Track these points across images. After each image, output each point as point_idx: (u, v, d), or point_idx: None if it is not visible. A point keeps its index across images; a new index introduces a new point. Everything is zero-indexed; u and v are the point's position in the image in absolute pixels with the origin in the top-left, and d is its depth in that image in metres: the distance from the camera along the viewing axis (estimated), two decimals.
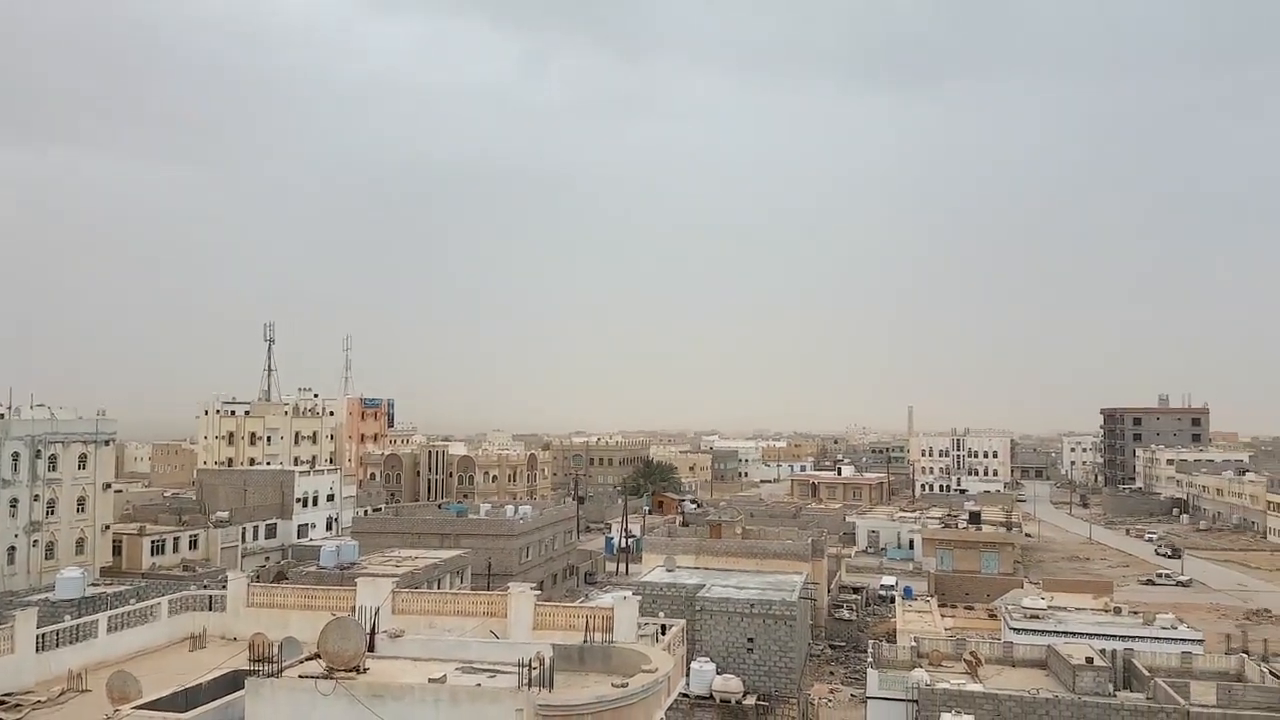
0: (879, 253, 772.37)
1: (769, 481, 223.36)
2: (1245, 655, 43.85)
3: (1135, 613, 50.77)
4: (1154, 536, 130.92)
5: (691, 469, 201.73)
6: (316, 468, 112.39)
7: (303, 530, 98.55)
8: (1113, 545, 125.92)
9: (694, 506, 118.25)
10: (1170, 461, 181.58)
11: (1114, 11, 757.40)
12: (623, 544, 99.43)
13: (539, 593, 39.52)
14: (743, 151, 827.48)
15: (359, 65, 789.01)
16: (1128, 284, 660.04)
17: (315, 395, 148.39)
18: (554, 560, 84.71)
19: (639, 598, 38.42)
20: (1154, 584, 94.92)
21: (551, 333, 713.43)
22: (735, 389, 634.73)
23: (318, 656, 22.54)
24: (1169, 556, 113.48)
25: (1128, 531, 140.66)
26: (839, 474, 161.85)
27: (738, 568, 60.66)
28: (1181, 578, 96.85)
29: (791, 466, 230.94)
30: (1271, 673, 37.31)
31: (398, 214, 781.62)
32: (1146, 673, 35.91)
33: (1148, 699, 33.37)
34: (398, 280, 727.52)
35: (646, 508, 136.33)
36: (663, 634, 35.34)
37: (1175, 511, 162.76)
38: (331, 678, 21.63)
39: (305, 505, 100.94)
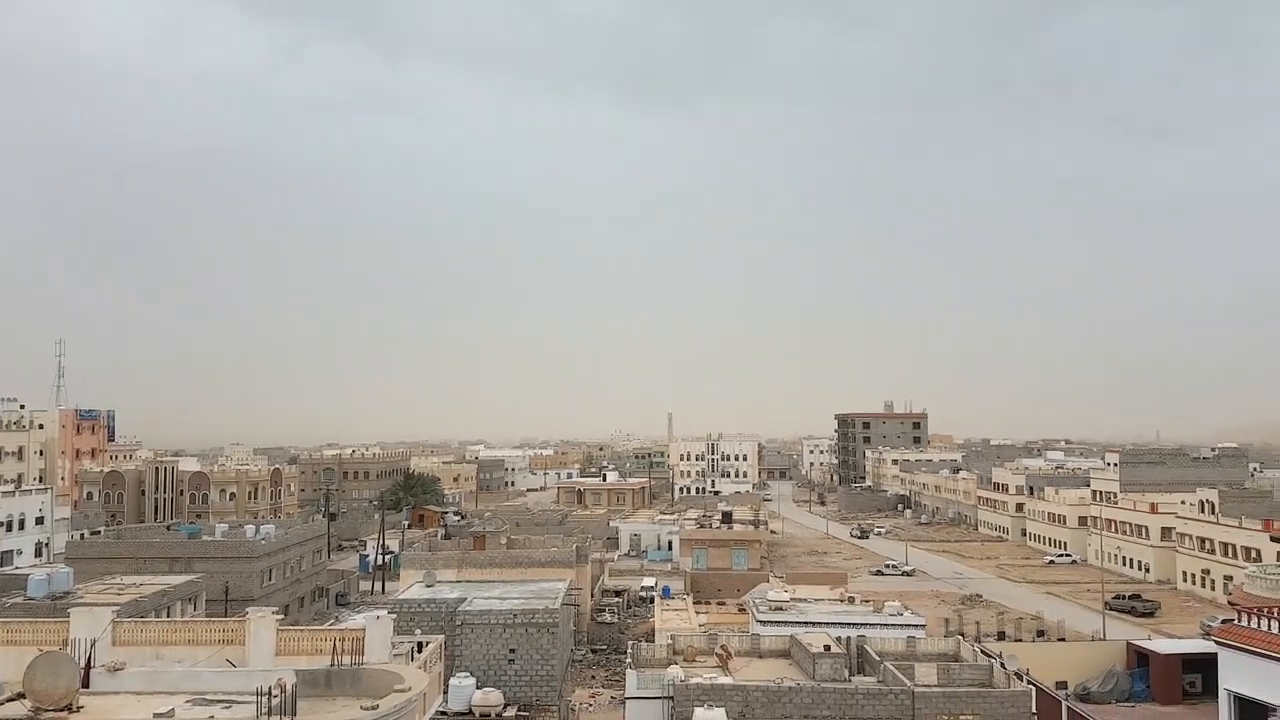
0: (639, 263, 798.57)
1: (536, 490, 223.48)
2: (960, 637, 48.81)
3: (867, 602, 54.86)
4: (860, 526, 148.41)
5: (456, 480, 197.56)
6: (23, 487, 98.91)
7: (6, 558, 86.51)
8: (846, 540, 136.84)
9: (457, 519, 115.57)
10: (895, 462, 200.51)
11: (845, 52, 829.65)
12: (379, 561, 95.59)
13: (282, 617, 36.83)
14: (502, 158, 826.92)
15: (82, 45, 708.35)
16: (857, 295, 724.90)
17: (22, 406, 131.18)
18: (301, 582, 79.55)
19: (394, 616, 36.75)
20: (883, 574, 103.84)
21: (300, 339, 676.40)
22: (503, 397, 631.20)
23: (22, 696, 20.45)
24: (859, 537, 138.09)
25: (860, 526, 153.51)
26: (604, 480, 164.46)
27: (502, 579, 59.69)
28: (906, 568, 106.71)
29: (559, 474, 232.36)
30: (983, 651, 41.62)
31: (127, 209, 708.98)
32: (877, 657, 38.85)
33: (878, 682, 36.07)
34: (124, 282, 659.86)
35: (406, 522, 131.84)
36: (419, 652, 33.98)
37: (900, 507, 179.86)
38: (38, 719, 19.29)
39: (9, 530, 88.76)
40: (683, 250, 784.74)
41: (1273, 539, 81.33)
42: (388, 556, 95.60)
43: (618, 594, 79.96)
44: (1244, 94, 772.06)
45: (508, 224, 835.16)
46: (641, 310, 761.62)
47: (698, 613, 64.21)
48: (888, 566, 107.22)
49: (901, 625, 47.45)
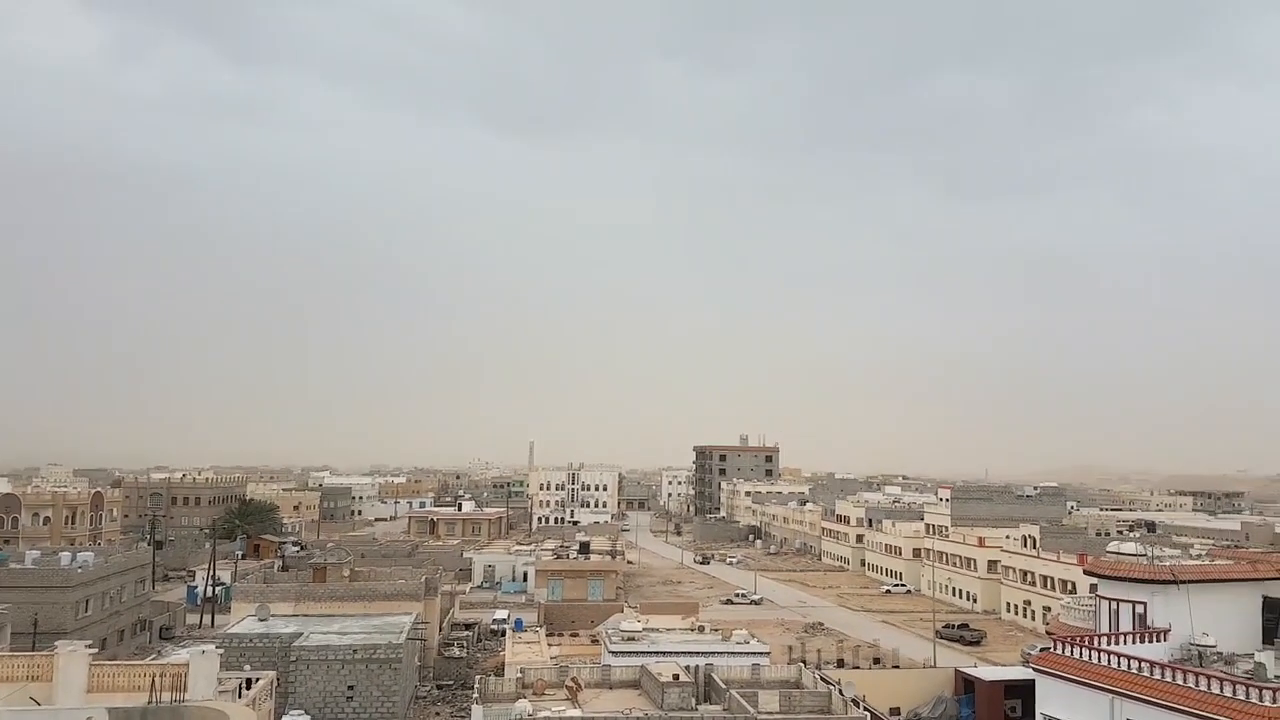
0: (497, 288, 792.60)
1: (385, 520, 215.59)
2: (802, 664, 50.09)
3: (716, 630, 55.71)
4: (704, 555, 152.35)
5: (296, 508, 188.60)
6: None
7: None
8: (701, 570, 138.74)
9: (296, 549, 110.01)
10: (748, 494, 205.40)
11: (711, 94, 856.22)
12: (208, 593, 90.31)
13: (96, 651, 34.06)
14: (360, 173, 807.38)
15: None
16: (716, 330, 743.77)
17: None
18: (121, 614, 73.81)
19: (222, 651, 34.58)
20: (733, 603, 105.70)
21: (133, 355, 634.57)
22: (352, 422, 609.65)
23: None
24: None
25: (713, 556, 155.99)
26: (459, 509, 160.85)
27: (343, 613, 57.19)
28: (755, 597, 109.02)
29: (410, 503, 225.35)
30: (823, 678, 42.80)
31: None
32: (724, 685, 39.37)
33: (724, 710, 36.53)
34: None
35: (239, 552, 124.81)
36: (247, 689, 32.05)
37: (751, 537, 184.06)
38: None
39: None
40: (545, 278, 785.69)
41: (1086, 572, 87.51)
42: (218, 588, 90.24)
43: (468, 627, 78.13)
44: (1074, 160, 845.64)
45: (366, 240, 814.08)
46: (503, 337, 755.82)
47: (551, 645, 63.51)
48: (737, 595, 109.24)
49: (748, 653, 48.28)
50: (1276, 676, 29.66)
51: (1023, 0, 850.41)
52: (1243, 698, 26.87)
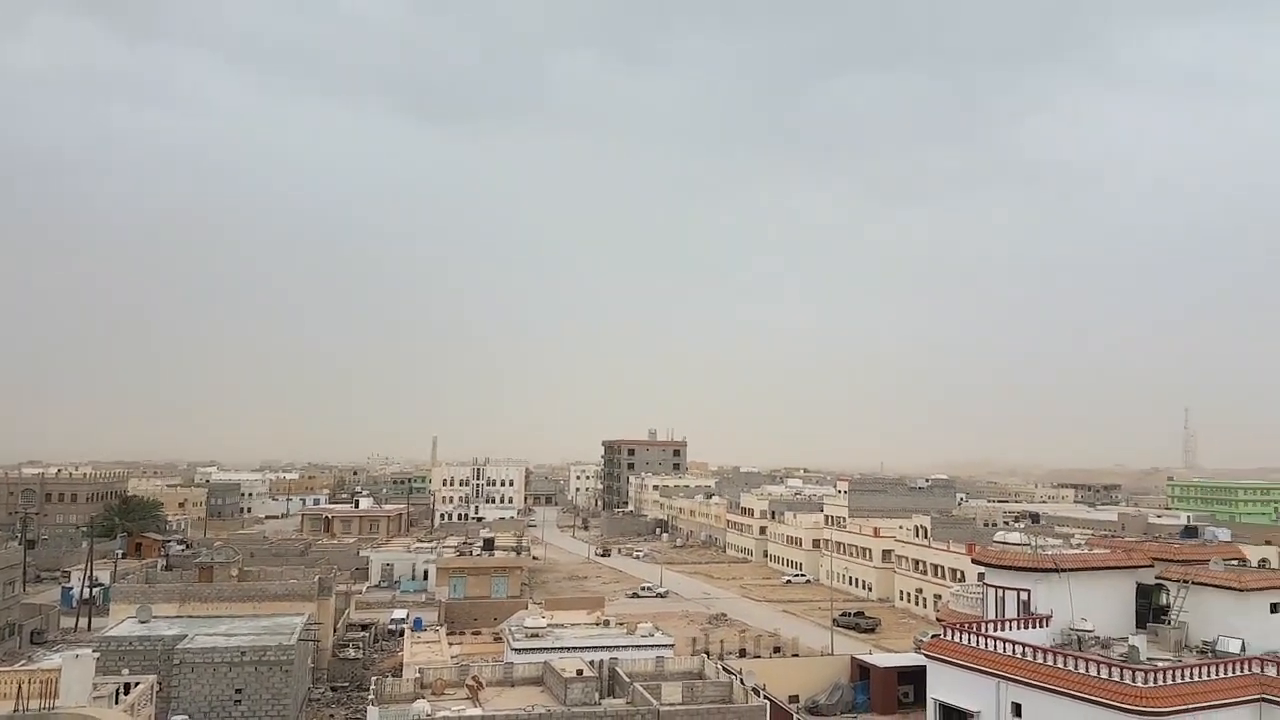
0: (403, 280, 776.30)
1: (277, 517, 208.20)
2: (705, 655, 50.54)
3: (621, 624, 55.75)
4: (599, 547, 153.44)
5: (181, 505, 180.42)
6: None
7: None
8: (606, 564, 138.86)
9: (181, 548, 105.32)
10: (656, 487, 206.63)
11: (631, 88, 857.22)
12: (85, 594, 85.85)
13: None
14: (262, 155, 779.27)
15: None
16: (627, 325, 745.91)
17: None
18: None
19: (98, 655, 32.65)
20: (639, 596, 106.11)
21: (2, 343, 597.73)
22: (239, 418, 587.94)
23: None
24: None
25: (619, 550, 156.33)
26: (356, 506, 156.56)
27: (230, 614, 54.91)
28: (660, 590, 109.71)
29: (304, 500, 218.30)
30: (725, 669, 43.24)
31: None
32: (627, 679, 39.35)
33: (627, 703, 36.51)
34: None
35: (120, 551, 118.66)
36: (125, 693, 30.38)
37: (658, 531, 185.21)
38: None
39: None
40: (452, 270, 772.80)
41: (974, 561, 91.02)
42: (96, 589, 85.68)
43: (364, 628, 76.36)
44: (972, 165, 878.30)
45: (264, 228, 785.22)
46: (407, 330, 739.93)
47: (452, 644, 62.64)
48: (643, 589, 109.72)
49: (652, 646, 48.45)
50: (1149, 659, 31.28)
51: (924, 6, 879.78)
52: (1117, 679, 28.23)
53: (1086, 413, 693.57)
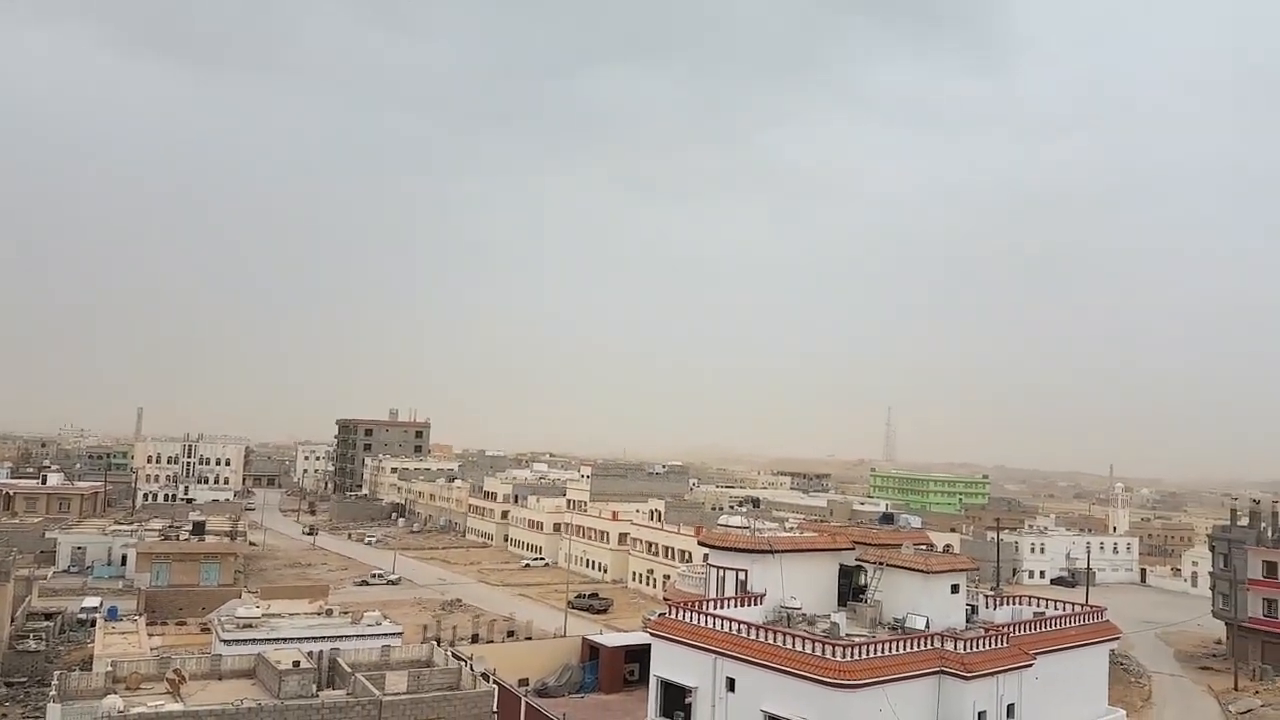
0: (119, 232, 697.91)
1: None
2: (435, 643, 49.50)
3: (346, 613, 53.42)
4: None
5: None
6: None
7: None
8: (334, 550, 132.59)
9: None
10: (394, 470, 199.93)
11: (388, 54, 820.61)
12: None
13: None
14: None
15: None
16: (367, 299, 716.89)
17: None
18: None
19: None
20: (368, 584, 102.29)
21: None
22: None
23: None
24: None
25: (350, 535, 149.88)
26: (43, 482, 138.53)
27: None
28: (392, 576, 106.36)
29: None
30: (455, 655, 42.53)
31: None
32: (349, 669, 37.65)
33: (348, 694, 34.92)
34: None
35: None
36: None
37: (394, 515, 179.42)
38: None
39: None
40: (173, 223, 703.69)
41: (700, 543, 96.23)
42: None
43: (49, 617, 68.94)
44: (719, 168, 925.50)
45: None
46: (113, 290, 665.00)
47: (153, 635, 58.15)
48: (374, 576, 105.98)
49: (378, 635, 46.90)
50: (848, 634, 34.35)
51: (687, 6, 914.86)
52: (819, 654, 30.70)
53: (807, 407, 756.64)
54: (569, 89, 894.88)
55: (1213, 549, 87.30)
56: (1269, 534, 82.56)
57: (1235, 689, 70.08)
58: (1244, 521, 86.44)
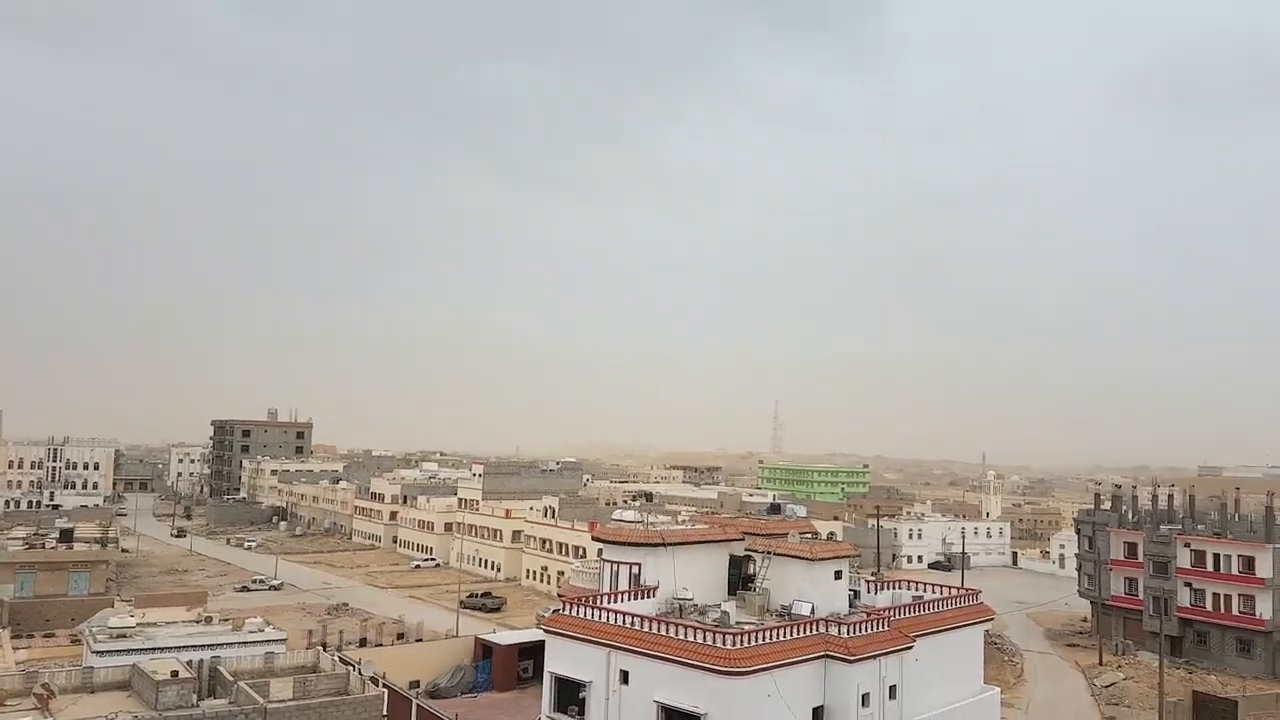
0: None
1: None
2: (322, 648, 48.24)
3: (227, 620, 51.50)
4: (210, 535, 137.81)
5: None
6: None
7: None
8: (212, 555, 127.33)
9: None
10: (274, 472, 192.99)
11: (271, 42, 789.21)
12: None
13: None
14: None
15: None
16: (243, 296, 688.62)
17: None
18: None
19: None
20: (249, 590, 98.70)
21: None
22: None
23: None
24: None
25: (229, 540, 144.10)
26: None
27: None
28: (274, 582, 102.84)
29: None
30: (343, 660, 41.58)
31: None
32: (231, 678, 36.41)
33: (230, 703, 33.73)
34: None
35: None
36: None
37: (275, 519, 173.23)
38: None
39: None
40: (34, 207, 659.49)
41: (594, 538, 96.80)
42: None
43: None
44: (612, 163, 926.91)
45: None
46: None
47: (17, 648, 54.91)
48: (254, 582, 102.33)
49: (261, 642, 45.40)
50: (738, 623, 35.22)
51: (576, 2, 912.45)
52: (710, 643, 31.42)
53: (698, 402, 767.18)
54: (458, 84, 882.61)
55: (1078, 532, 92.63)
56: (1130, 517, 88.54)
57: (1100, 664, 75.00)
58: (1107, 505, 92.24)
